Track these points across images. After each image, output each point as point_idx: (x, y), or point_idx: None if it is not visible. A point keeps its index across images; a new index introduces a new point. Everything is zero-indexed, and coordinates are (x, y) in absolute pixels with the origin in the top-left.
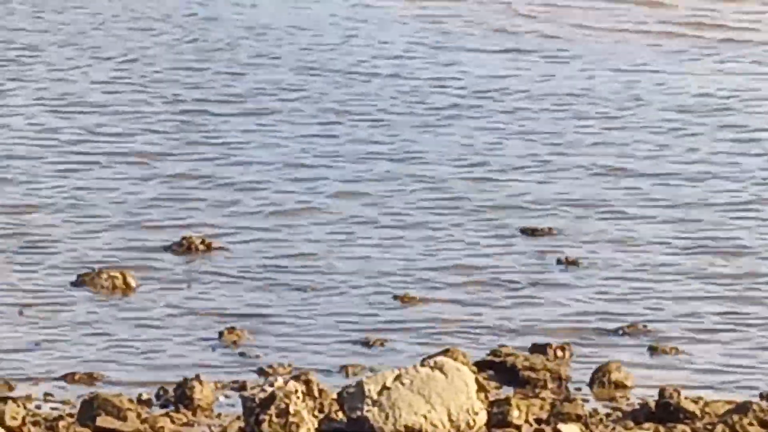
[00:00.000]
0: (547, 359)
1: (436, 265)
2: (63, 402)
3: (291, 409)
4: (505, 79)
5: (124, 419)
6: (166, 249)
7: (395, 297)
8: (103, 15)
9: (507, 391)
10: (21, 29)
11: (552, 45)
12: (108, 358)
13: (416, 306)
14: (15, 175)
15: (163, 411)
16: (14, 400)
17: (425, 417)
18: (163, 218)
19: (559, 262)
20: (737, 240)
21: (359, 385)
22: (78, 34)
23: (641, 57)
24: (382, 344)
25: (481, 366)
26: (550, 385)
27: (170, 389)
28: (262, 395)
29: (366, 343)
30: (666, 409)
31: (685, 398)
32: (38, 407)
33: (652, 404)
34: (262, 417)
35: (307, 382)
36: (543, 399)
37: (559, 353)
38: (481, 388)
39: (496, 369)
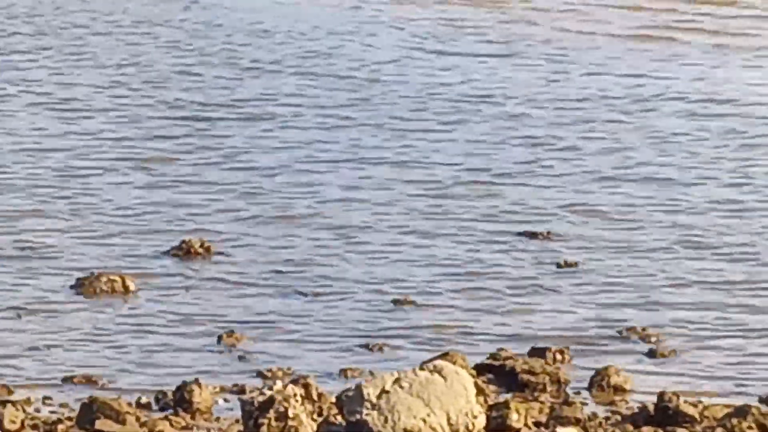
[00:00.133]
0: (546, 363)
1: (435, 269)
2: (62, 405)
3: (290, 413)
4: (505, 84)
5: (123, 423)
6: (166, 253)
7: (395, 301)
8: (104, 19)
9: (506, 395)
10: (22, 33)
11: (553, 50)
12: (107, 361)
13: (415, 310)
14: (16, 179)
15: (162, 414)
16: (13, 403)
17: (424, 420)
18: (163, 223)
19: (558, 266)
20: (738, 246)
21: (358, 388)
22: (79, 39)
23: (643, 62)
24: (381, 348)
25: (480, 370)
26: (549, 389)
27: (169, 393)
28: (261, 399)
29: (365, 347)
30: (665, 413)
31: (684, 402)
32: (37, 411)
33: (651, 408)
34: (261, 421)
35: (306, 386)
36: (542, 402)
37: (558, 357)
38: (480, 391)
39: (496, 373)
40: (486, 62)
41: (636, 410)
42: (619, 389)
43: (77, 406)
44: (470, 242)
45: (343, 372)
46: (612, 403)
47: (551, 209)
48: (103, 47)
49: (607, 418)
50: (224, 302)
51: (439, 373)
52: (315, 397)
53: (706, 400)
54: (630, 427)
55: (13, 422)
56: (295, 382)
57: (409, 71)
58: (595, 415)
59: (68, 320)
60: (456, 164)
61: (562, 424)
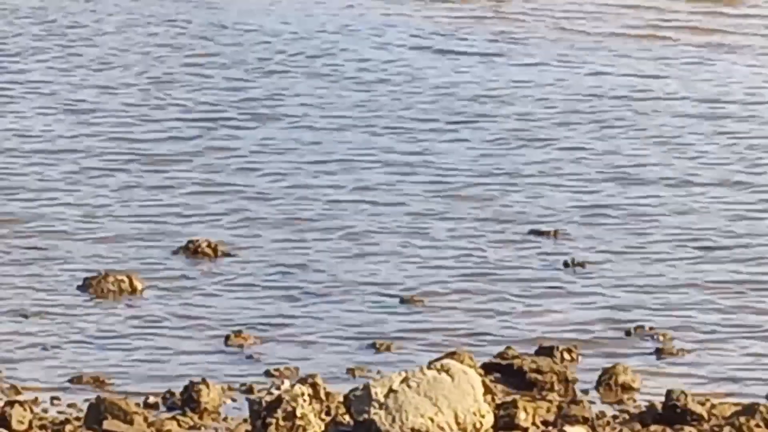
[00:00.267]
0: (554, 362)
1: (443, 269)
2: (70, 406)
3: (298, 412)
4: (514, 84)
5: (131, 423)
6: (173, 253)
7: (402, 300)
8: (111, 20)
9: (514, 394)
10: (29, 34)
11: (562, 50)
12: (114, 361)
13: (423, 309)
14: (25, 179)
15: (170, 414)
16: (21, 403)
17: (432, 420)
18: (171, 223)
19: (566, 264)
20: (746, 247)
21: (366, 388)
22: (86, 39)
23: (653, 62)
24: (388, 347)
25: (487, 368)
26: (556, 388)
27: (177, 392)
28: (268, 398)
29: (373, 347)
30: (673, 411)
31: (692, 400)
32: (45, 411)
33: (659, 406)
34: (268, 420)
35: (314, 385)
36: (550, 401)
37: (566, 356)
38: (487, 390)
39: (503, 371)
40: (494, 62)
41: (644, 409)
42: (627, 388)
43: (85, 407)
44: (478, 241)
45: (351, 371)
46: (620, 401)
47: (560, 209)
48: (111, 48)
49: (615, 417)
50: (232, 302)
51: (447, 372)
52: (323, 397)
53: (714, 399)
54: (638, 426)
55: (21, 422)
56: (302, 381)
57: (417, 72)
58: (603, 413)
59: (76, 320)
60: (465, 164)
61: (570, 423)
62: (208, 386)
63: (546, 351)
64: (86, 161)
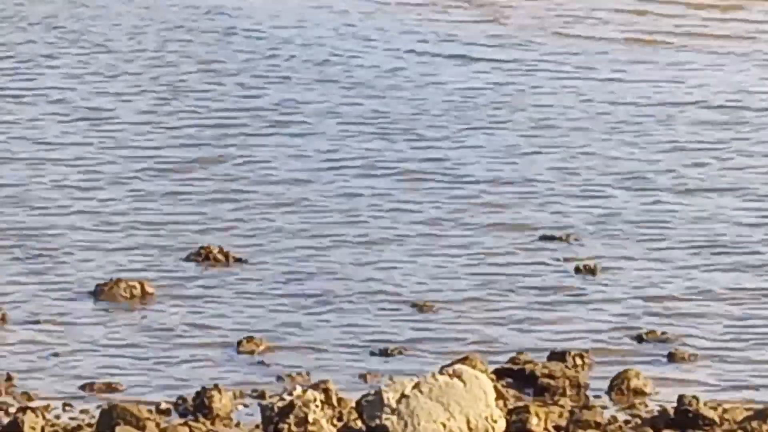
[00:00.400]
0: (566, 367)
1: (455, 273)
2: (82, 412)
3: (310, 418)
4: (528, 90)
5: (143, 429)
6: (185, 259)
7: (414, 305)
8: (123, 26)
9: (526, 399)
10: (42, 41)
11: (576, 56)
12: (126, 367)
13: (435, 314)
14: (38, 186)
15: (182, 420)
16: (33, 410)
17: (444, 425)
18: (184, 230)
19: (577, 270)
20: (759, 254)
21: (378, 393)
22: (99, 46)
23: (667, 68)
24: (400, 352)
25: (499, 374)
26: (568, 393)
27: (189, 398)
28: (281, 404)
29: (385, 352)
30: (685, 416)
31: (704, 405)
32: (57, 417)
33: (671, 411)
34: (281, 426)
35: (326, 391)
36: (562, 406)
37: (578, 360)
38: (499, 395)
39: (515, 377)
40: (508, 68)
41: (656, 413)
42: (638, 393)
43: (97, 413)
44: (490, 247)
45: (363, 377)
46: (632, 406)
47: (572, 215)
48: (123, 54)
49: (626, 422)
50: (243, 308)
51: (459, 377)
52: (335, 402)
53: (726, 403)
54: (650, 431)
55: (33, 429)
56: (314, 387)
57: (430, 78)
58: (615, 418)
59: (88, 326)
60: (478, 171)
61: (582, 428)
62: (220, 392)
63: (558, 356)
64: (99, 168)
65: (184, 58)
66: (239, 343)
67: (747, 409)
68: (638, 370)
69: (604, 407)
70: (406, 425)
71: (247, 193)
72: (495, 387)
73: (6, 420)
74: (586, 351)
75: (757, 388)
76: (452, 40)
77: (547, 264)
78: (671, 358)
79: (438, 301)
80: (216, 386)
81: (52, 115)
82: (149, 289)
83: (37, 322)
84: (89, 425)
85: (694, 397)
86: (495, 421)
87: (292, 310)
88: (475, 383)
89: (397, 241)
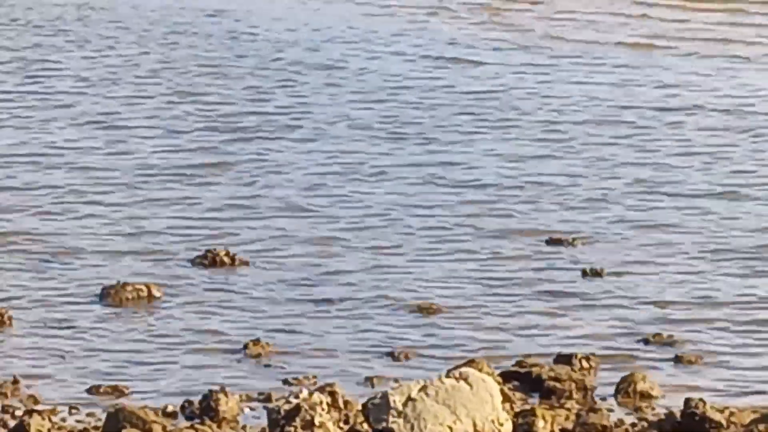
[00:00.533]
0: (573, 370)
1: (461, 277)
2: (88, 415)
3: (316, 421)
4: (538, 94)
5: None
6: (191, 262)
7: (420, 308)
8: (130, 30)
9: (532, 402)
10: (49, 45)
11: (586, 60)
12: (133, 370)
13: (441, 317)
14: (48, 191)
15: (189, 423)
16: (39, 412)
17: (450, 428)
18: (192, 234)
19: (584, 273)
20: (766, 260)
21: (384, 396)
22: (109, 49)
23: (675, 72)
24: (407, 356)
25: (506, 377)
26: (575, 396)
27: (195, 401)
28: (287, 407)
29: (391, 355)
30: (692, 419)
31: (711, 408)
32: (63, 420)
33: (678, 414)
34: (287, 429)
35: (333, 394)
36: (568, 409)
37: (585, 363)
38: (506, 398)
39: (521, 380)
40: (517, 72)
41: (662, 416)
42: (645, 395)
43: (104, 416)
44: (497, 250)
45: (369, 380)
46: (638, 409)
47: (580, 218)
48: (132, 58)
49: (633, 425)
50: (250, 311)
51: (465, 380)
52: (341, 405)
53: (732, 406)
54: None
55: (40, 431)
56: (321, 390)
57: (438, 82)
58: (621, 422)
59: (94, 329)
60: (488, 175)
61: (589, 431)
62: (226, 395)
63: (564, 359)
64: (108, 173)
65: (191, 61)
66: (246, 346)
67: (754, 412)
68: (645, 374)
69: (611, 410)
70: (412, 428)
71: (255, 198)
72: (501, 390)
73: (12, 423)
74: (593, 354)
75: (764, 389)
76: (461, 44)
77: (555, 268)
78: (678, 361)
79: (445, 305)
80: (222, 389)
81: (61, 120)
82: (156, 292)
83: (44, 326)
84: (96, 428)
85: (701, 400)
86: (501, 424)
87: (299, 313)
88: (481, 386)
89: (404, 246)
